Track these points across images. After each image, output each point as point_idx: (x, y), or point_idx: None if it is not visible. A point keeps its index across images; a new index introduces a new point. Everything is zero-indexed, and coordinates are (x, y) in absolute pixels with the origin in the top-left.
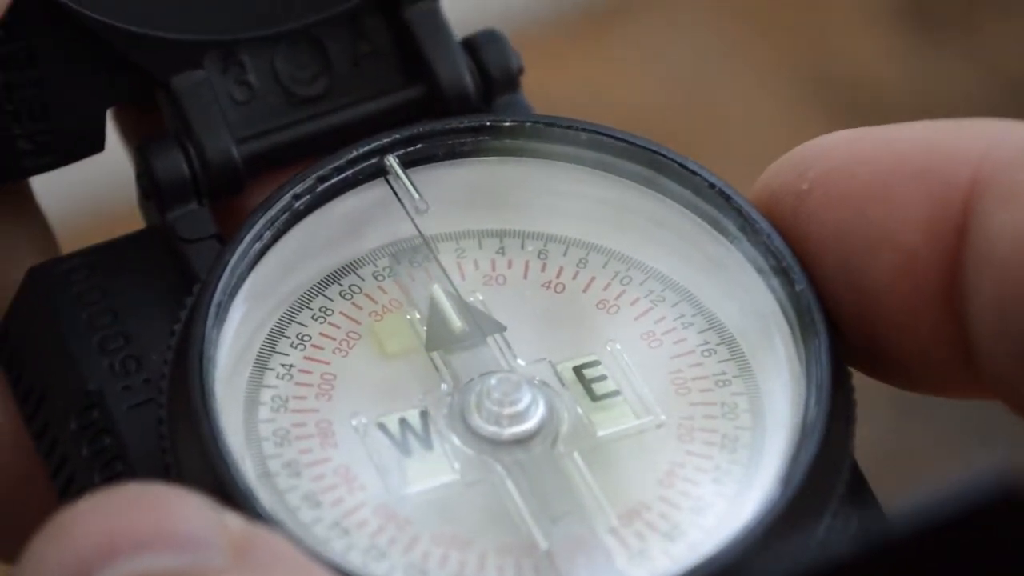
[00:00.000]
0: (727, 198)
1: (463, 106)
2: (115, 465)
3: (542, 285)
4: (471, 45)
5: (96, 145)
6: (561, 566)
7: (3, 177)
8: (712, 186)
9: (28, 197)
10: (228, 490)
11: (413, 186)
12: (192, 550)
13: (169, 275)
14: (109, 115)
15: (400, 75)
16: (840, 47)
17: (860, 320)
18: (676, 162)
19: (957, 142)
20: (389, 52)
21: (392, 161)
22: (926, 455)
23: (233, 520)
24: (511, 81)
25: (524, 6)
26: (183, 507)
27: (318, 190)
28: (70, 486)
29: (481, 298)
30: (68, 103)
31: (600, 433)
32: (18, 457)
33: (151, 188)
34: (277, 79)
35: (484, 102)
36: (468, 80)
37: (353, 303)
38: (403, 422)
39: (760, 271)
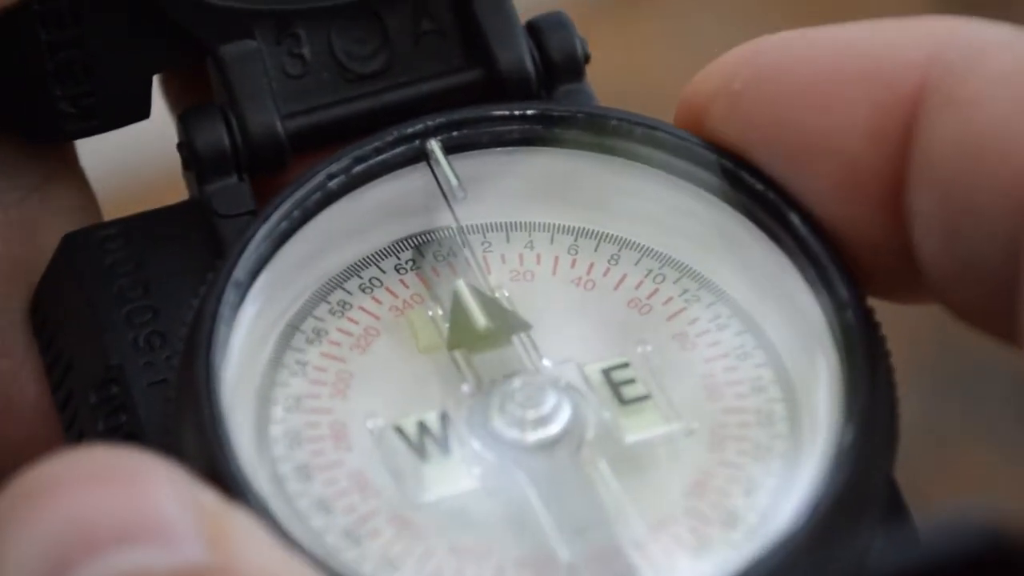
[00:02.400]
0: (785, 211)
1: (523, 92)
2: (128, 443)
3: (571, 281)
4: (534, 28)
5: (141, 112)
6: None
7: (43, 139)
8: (768, 195)
9: (72, 160)
10: (222, 474)
11: (454, 172)
12: (169, 542)
13: (205, 250)
14: (157, 82)
15: (460, 56)
16: None
17: None
18: (735, 167)
19: (902, 43)
20: (451, 31)
21: (434, 146)
22: (962, 433)
23: (208, 498)
24: (575, 68)
25: None
26: (158, 485)
27: (354, 171)
28: None
29: (507, 294)
30: (113, 67)
31: (628, 439)
32: (49, 431)
33: (191, 159)
34: (332, 54)
35: (545, 89)
36: (528, 65)
37: (373, 297)
38: (421, 425)
39: (810, 283)
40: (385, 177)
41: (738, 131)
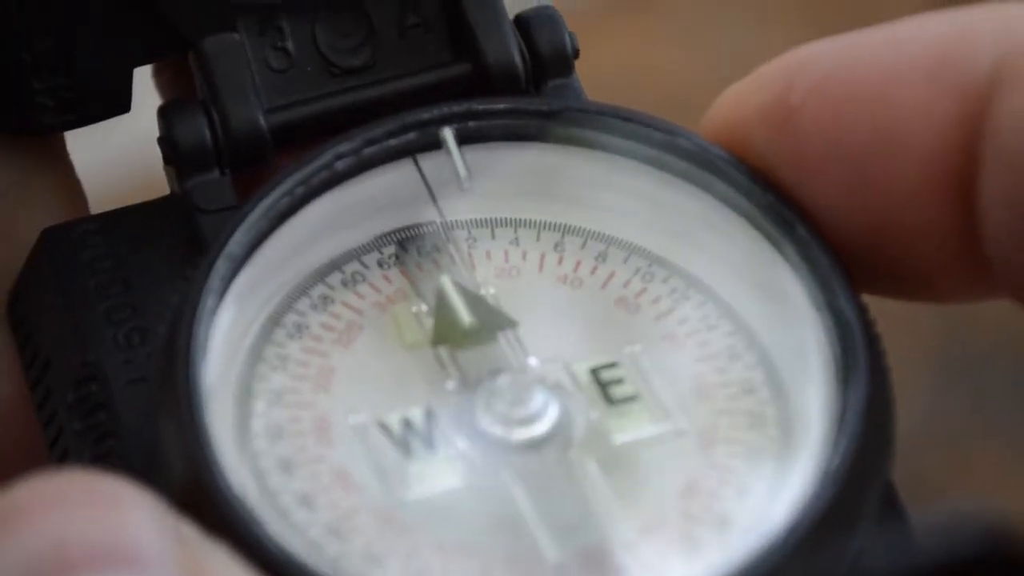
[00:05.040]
0: (787, 217)
1: (511, 87)
2: (107, 441)
3: (558, 279)
4: (523, 22)
5: (122, 106)
6: None
7: (21, 132)
8: (766, 195)
9: (58, 153)
10: (201, 465)
11: (464, 162)
12: (145, 568)
13: (186, 246)
14: (146, 74)
15: (447, 50)
16: (885, 20)
17: (870, 237)
18: (730, 165)
19: (971, 31)
20: (437, 25)
21: (448, 134)
22: (966, 427)
23: (187, 531)
24: (564, 63)
25: None
26: (137, 511)
27: (364, 153)
28: (63, 461)
29: (492, 291)
30: (93, 59)
31: (617, 440)
32: (28, 431)
33: (171, 153)
34: (317, 47)
35: (533, 85)
36: (516, 59)
37: (355, 292)
38: (405, 421)
39: (807, 289)
40: (381, 168)
41: (796, 147)
